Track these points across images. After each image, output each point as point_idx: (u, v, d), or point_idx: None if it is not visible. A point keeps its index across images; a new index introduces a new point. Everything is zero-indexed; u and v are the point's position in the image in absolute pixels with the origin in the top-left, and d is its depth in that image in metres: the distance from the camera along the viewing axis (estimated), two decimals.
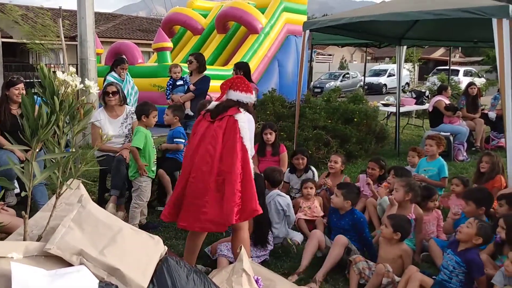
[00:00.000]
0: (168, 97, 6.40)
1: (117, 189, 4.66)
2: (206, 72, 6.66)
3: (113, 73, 7.23)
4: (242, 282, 2.04)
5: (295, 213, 4.51)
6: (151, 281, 2.14)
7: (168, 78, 6.92)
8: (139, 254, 2.17)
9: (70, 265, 1.98)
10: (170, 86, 6.37)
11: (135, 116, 5.32)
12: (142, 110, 4.61)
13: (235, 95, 3.44)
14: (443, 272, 3.39)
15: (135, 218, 4.52)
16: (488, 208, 3.97)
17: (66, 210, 2.23)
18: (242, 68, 6.41)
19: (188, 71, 6.54)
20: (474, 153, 8.36)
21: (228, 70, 10.80)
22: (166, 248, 2.37)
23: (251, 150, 3.34)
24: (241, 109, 3.38)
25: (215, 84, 8.21)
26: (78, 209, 2.17)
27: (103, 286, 1.92)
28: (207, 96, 6.49)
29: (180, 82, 6.36)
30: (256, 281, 2.11)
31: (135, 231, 2.32)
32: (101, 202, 4.97)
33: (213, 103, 3.53)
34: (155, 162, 4.72)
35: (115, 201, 4.63)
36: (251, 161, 3.35)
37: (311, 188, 4.71)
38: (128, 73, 7.60)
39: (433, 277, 3.40)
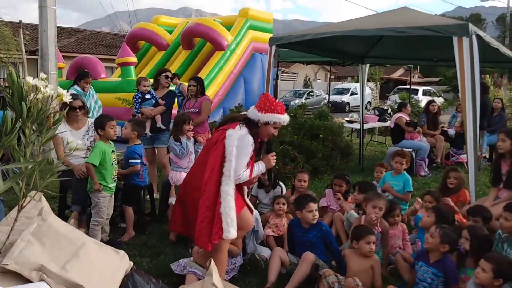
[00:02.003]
0: (138, 111, 6.27)
1: (78, 204, 4.50)
2: (172, 88, 6.63)
3: (76, 86, 7.04)
4: None
5: (263, 228, 4.46)
6: None
7: (133, 93, 6.81)
8: (103, 270, 2.07)
9: (29, 281, 1.86)
10: (139, 100, 6.24)
11: None
12: (97, 123, 4.48)
13: (250, 110, 3.34)
14: (421, 285, 3.41)
15: (95, 236, 4.35)
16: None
17: (25, 224, 2.11)
18: (202, 84, 6.47)
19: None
20: (435, 168, 8.59)
21: None
22: (132, 264, 2.28)
23: (229, 172, 3.12)
24: (238, 125, 3.22)
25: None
26: (38, 222, 2.06)
27: None
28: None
29: (148, 96, 6.24)
30: None
31: (99, 245, 2.22)
32: (62, 219, 4.78)
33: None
34: (115, 179, 4.57)
35: (76, 217, 4.46)
36: (224, 186, 3.12)
37: (283, 204, 4.66)
38: (92, 87, 7.43)
39: None
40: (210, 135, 6.45)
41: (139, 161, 4.90)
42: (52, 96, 2.07)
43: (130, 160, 4.89)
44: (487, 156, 9.11)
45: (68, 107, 4.90)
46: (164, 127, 6.12)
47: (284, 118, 3.34)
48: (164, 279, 3.77)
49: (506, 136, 4.31)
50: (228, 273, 3.86)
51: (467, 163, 8.43)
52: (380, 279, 3.73)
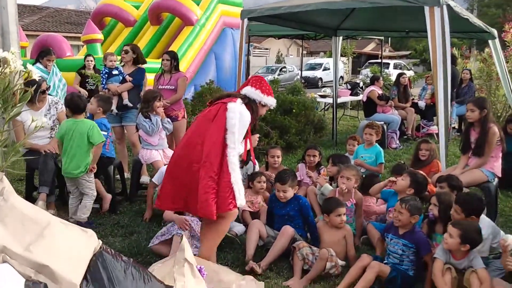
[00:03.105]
0: (104, 86, 6.07)
1: (46, 185, 4.36)
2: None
3: (38, 64, 6.79)
4: (185, 272, 1.93)
5: None
6: (85, 277, 1.97)
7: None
8: (70, 249, 1.99)
9: None
10: (106, 75, 6.03)
11: (59, 106, 5.01)
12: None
13: (245, 89, 3.34)
14: (392, 257, 3.46)
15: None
16: (420, 193, 4.08)
17: None
18: (176, 59, 6.21)
19: (123, 61, 6.24)
20: (406, 140, 8.72)
21: None
22: (101, 242, 2.20)
23: (234, 144, 3.13)
24: (239, 100, 3.24)
25: (151, 78, 7.97)
26: None
27: (30, 285, 1.73)
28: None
29: (115, 72, 6.03)
30: (199, 271, 2.01)
31: (65, 225, 2.13)
32: (29, 201, 4.64)
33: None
34: None
35: (44, 198, 4.33)
36: (231, 157, 3.13)
37: (264, 182, 4.62)
38: (55, 65, 7.17)
39: (385, 262, 3.44)
40: (185, 112, 6.29)
41: (106, 133, 4.79)
42: (20, 72, 1.96)
43: None
44: (456, 127, 9.27)
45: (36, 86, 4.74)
46: (131, 105, 5.92)
47: (275, 103, 3.50)
48: (137, 257, 3.74)
49: (475, 106, 4.36)
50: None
51: (437, 134, 8.66)
52: (353, 249, 3.77)
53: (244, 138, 3.34)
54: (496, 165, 4.39)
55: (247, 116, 3.23)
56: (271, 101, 3.41)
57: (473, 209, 3.34)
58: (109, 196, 4.82)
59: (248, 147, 3.46)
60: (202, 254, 3.28)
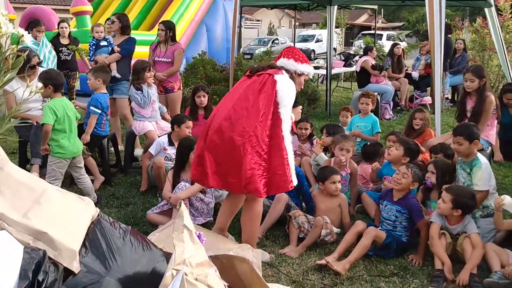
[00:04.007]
0: (92, 58, 5.95)
1: (38, 157, 4.32)
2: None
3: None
4: (184, 238, 1.93)
5: None
6: (83, 244, 1.97)
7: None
8: (68, 216, 1.99)
9: None
10: (94, 47, 5.90)
11: None
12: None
13: (280, 61, 3.20)
14: (386, 223, 3.50)
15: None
16: (413, 160, 4.12)
17: None
18: (172, 29, 6.07)
19: (111, 32, 6.10)
20: (399, 111, 8.73)
21: (153, 35, 10.31)
22: (98, 210, 2.20)
23: (287, 120, 3.00)
24: (284, 72, 3.10)
25: (141, 50, 7.84)
26: None
27: (29, 252, 1.73)
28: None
29: (104, 43, 5.90)
30: (199, 237, 2.01)
31: (62, 192, 2.12)
32: None
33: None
34: None
35: (37, 170, 4.30)
36: (286, 132, 3.00)
37: None
38: (45, 37, 7.02)
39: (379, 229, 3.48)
40: (181, 84, 6.19)
41: (99, 111, 4.67)
42: (11, 35, 1.90)
43: (91, 108, 4.66)
44: (450, 97, 9.28)
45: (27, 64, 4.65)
46: (119, 76, 5.76)
47: (314, 70, 3.37)
48: (134, 227, 3.73)
49: (474, 76, 4.33)
50: (202, 216, 3.85)
51: (430, 105, 8.70)
52: (348, 217, 3.81)
53: None
54: (491, 134, 4.42)
55: (293, 88, 3.10)
56: (307, 69, 3.24)
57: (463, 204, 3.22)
58: (101, 178, 4.74)
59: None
60: (245, 239, 3.21)
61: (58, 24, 7.69)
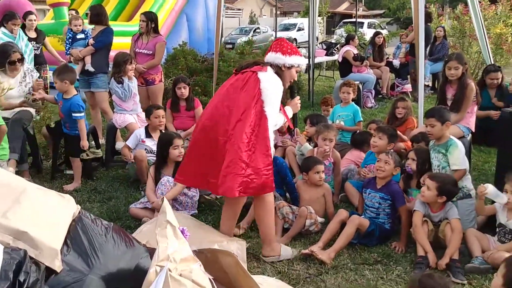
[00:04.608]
0: (68, 51, 5.84)
1: (15, 152, 4.25)
2: None
3: (3, 29, 6.48)
4: (167, 234, 1.91)
5: None
6: (65, 242, 1.94)
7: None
8: (49, 215, 1.95)
9: None
10: (70, 40, 5.79)
11: (35, 74, 4.92)
12: None
13: (267, 56, 3.13)
14: (369, 211, 3.54)
15: None
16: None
17: None
18: (154, 20, 5.97)
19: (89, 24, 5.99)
20: (381, 100, 8.78)
21: (133, 25, 10.19)
22: (79, 207, 2.17)
23: (273, 119, 2.96)
24: (269, 68, 3.03)
25: (120, 41, 7.73)
26: None
27: (9, 252, 1.69)
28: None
29: (81, 36, 5.79)
30: (182, 232, 2.00)
31: (42, 190, 2.08)
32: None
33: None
34: None
35: (14, 165, 4.23)
36: (270, 131, 2.95)
37: None
38: (21, 29, 6.86)
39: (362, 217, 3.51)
40: (162, 76, 6.12)
41: (82, 114, 4.51)
42: None
43: (74, 114, 4.46)
44: (430, 85, 9.37)
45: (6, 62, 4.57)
46: (92, 69, 5.66)
47: (305, 61, 3.25)
48: (117, 222, 3.71)
49: (459, 64, 4.35)
50: (187, 210, 3.84)
51: (411, 92, 8.77)
52: (332, 206, 3.83)
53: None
54: (471, 120, 4.47)
55: (279, 84, 3.04)
56: (296, 60, 3.15)
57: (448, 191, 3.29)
58: (78, 183, 4.60)
59: (289, 114, 3.30)
60: (263, 234, 3.17)
61: (25, 16, 7.27)
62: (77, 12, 5.69)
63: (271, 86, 2.97)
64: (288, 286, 2.67)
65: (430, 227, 3.24)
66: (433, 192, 3.21)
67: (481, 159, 5.26)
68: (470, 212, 3.45)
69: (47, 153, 5.29)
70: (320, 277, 2.97)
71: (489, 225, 3.39)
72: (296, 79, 3.35)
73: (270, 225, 3.18)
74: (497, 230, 3.20)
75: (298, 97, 3.46)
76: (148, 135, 4.61)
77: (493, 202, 3.25)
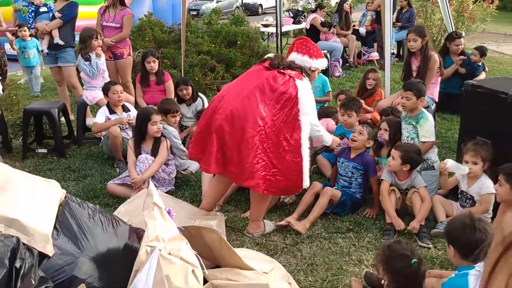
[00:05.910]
0: (32, 26, 5.66)
1: None
2: None
3: None
4: (155, 215, 1.99)
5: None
6: (54, 227, 2.00)
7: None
8: (37, 201, 2.00)
9: None
10: (33, 14, 5.60)
11: None
12: None
13: (292, 56, 3.14)
14: (342, 180, 3.70)
15: None
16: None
17: None
18: None
19: None
20: (348, 68, 8.89)
21: None
22: (65, 192, 2.21)
23: (307, 126, 3.01)
24: (304, 76, 3.06)
25: (84, 10, 7.48)
26: None
27: (3, 240, 1.74)
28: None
29: (44, 9, 5.60)
30: (168, 212, 2.08)
31: (27, 176, 2.11)
32: None
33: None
34: None
35: None
36: (305, 139, 3.00)
37: None
38: None
39: (335, 187, 3.67)
40: (130, 49, 6.00)
41: None
42: None
43: None
44: (395, 52, 9.54)
45: None
46: (62, 43, 5.54)
47: (326, 63, 3.37)
48: (94, 200, 3.75)
49: (417, 36, 4.50)
50: (164, 186, 3.91)
51: (377, 60, 8.92)
52: None
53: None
54: (435, 91, 4.66)
55: (312, 94, 3.13)
56: (321, 64, 3.24)
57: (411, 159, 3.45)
58: None
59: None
60: (252, 217, 3.26)
61: None
62: None
63: (308, 97, 3.04)
64: (267, 257, 2.81)
65: (397, 196, 3.44)
66: (397, 161, 3.39)
67: (445, 127, 5.48)
68: (432, 183, 3.66)
69: (16, 131, 5.20)
70: (296, 247, 3.13)
71: (452, 191, 3.61)
72: (315, 79, 3.43)
73: (263, 209, 3.30)
74: (459, 196, 3.43)
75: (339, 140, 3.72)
76: (111, 111, 4.60)
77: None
